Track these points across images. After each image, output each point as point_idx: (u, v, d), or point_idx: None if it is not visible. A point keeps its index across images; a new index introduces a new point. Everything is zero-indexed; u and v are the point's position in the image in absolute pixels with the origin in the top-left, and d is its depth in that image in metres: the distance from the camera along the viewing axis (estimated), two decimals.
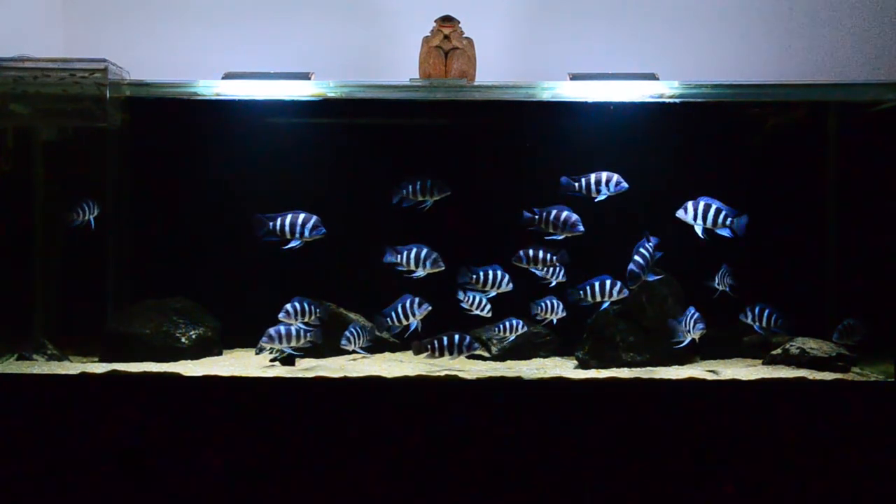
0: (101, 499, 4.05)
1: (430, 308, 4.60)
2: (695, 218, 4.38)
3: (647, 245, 4.46)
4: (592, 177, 4.51)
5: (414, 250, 4.56)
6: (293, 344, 4.52)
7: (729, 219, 4.35)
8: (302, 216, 4.46)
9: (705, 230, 4.38)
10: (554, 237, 4.55)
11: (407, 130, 5.13)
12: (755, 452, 4.07)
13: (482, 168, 5.13)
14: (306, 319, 4.53)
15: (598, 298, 4.48)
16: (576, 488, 4.06)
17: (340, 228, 4.62)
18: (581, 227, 4.52)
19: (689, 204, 4.41)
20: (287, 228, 4.45)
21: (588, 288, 4.48)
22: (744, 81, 4.72)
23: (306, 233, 4.44)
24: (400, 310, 4.58)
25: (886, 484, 4.07)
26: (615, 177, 4.51)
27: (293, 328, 4.50)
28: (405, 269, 4.57)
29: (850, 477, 4.07)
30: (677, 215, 4.42)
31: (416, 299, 4.59)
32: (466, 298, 4.66)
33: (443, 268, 4.56)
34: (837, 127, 4.98)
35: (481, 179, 5.10)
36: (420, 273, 4.56)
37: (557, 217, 4.53)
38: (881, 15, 5.02)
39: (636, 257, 4.43)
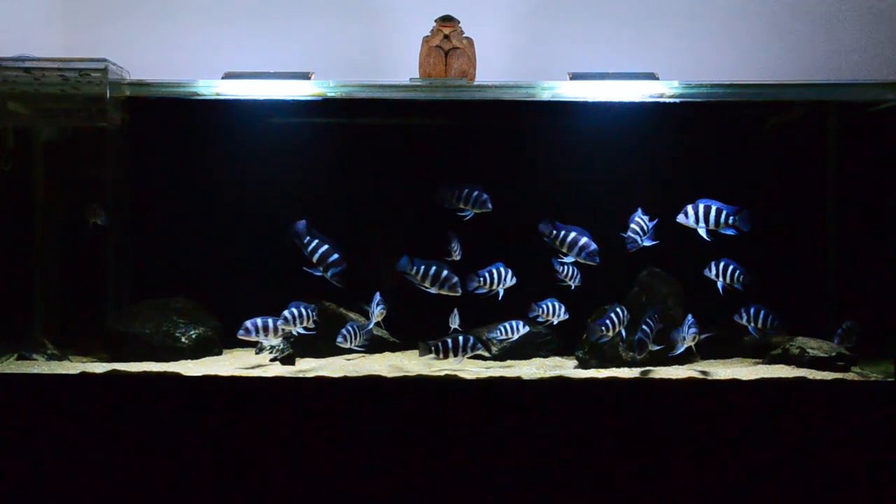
0: (102, 499, 4.05)
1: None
2: (696, 221, 4.35)
3: (654, 315, 4.46)
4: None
5: (434, 268, 4.49)
6: (270, 337, 4.53)
7: (731, 217, 4.33)
8: (335, 256, 4.42)
9: (709, 232, 4.36)
10: (565, 260, 4.51)
11: (406, 130, 5.12)
12: (755, 452, 4.07)
13: (482, 168, 5.12)
14: (305, 324, 4.53)
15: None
16: (576, 488, 4.06)
17: (340, 228, 4.61)
18: (598, 259, 4.45)
19: (689, 208, 4.37)
20: (316, 256, 4.43)
21: (608, 322, 4.41)
22: (744, 81, 4.72)
23: (329, 271, 4.42)
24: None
25: (887, 484, 4.07)
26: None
27: (270, 320, 4.50)
28: (417, 282, 4.51)
29: (851, 477, 4.07)
30: (678, 220, 4.39)
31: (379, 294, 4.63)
32: (452, 320, 4.71)
33: (459, 293, 4.51)
34: (837, 127, 4.98)
35: (480, 179, 5.10)
36: (433, 291, 4.52)
37: (574, 242, 4.47)
38: (881, 15, 5.02)
39: (644, 326, 4.42)
